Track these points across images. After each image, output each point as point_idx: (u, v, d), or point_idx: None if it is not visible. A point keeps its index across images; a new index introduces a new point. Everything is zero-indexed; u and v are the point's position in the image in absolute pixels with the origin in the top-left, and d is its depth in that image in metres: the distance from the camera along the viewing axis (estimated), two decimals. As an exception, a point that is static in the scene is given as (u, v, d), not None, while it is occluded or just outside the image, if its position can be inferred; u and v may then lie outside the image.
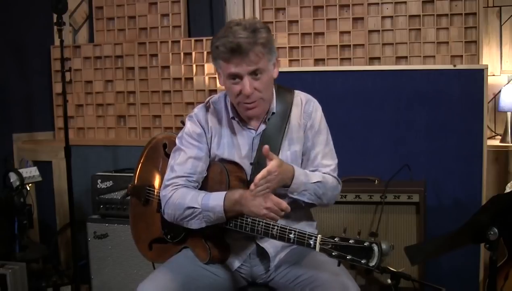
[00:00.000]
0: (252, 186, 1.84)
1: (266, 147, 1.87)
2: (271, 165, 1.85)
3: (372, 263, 1.67)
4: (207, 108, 2.10)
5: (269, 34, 1.92)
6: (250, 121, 2.05)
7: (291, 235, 1.81)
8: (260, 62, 1.89)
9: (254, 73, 1.90)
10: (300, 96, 2.11)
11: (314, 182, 1.99)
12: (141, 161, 2.34)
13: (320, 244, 1.75)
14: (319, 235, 1.76)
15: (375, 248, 1.67)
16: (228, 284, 2.05)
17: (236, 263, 2.05)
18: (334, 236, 1.73)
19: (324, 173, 2.05)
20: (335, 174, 2.10)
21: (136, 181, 2.34)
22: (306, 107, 2.08)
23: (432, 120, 3.03)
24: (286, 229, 1.83)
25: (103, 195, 3.36)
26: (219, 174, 2.02)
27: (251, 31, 1.87)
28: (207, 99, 2.13)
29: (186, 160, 2.03)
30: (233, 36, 1.85)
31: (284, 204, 1.85)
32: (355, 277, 2.61)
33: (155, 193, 2.21)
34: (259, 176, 1.83)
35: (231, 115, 2.05)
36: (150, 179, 2.27)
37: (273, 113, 2.04)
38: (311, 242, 1.77)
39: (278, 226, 1.85)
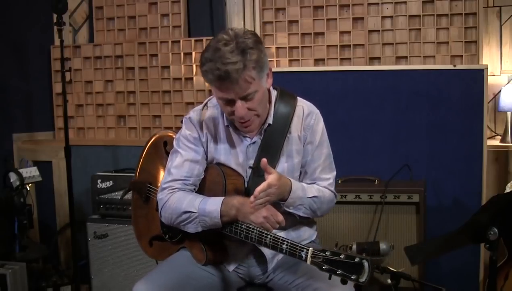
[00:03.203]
0: (252, 198, 1.83)
1: (264, 160, 1.86)
2: (271, 178, 1.85)
3: (362, 279, 1.67)
4: (203, 113, 2.06)
5: (260, 51, 1.83)
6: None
7: (284, 246, 1.81)
8: (251, 86, 1.83)
9: (246, 97, 1.86)
10: (302, 106, 2.06)
11: (311, 196, 1.99)
12: (142, 157, 2.34)
13: (311, 257, 1.74)
14: (310, 248, 1.75)
15: (365, 264, 1.67)
16: (226, 284, 2.05)
17: (233, 264, 2.05)
18: (325, 249, 1.73)
19: (322, 187, 2.05)
20: (332, 188, 2.09)
21: (137, 176, 2.34)
22: (307, 120, 2.04)
23: (432, 120, 3.03)
24: (279, 239, 1.82)
25: (103, 195, 3.36)
26: (216, 176, 2.01)
27: (240, 52, 1.78)
28: (205, 102, 2.10)
29: (182, 163, 2.01)
30: (221, 62, 1.77)
31: (281, 217, 1.86)
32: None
33: (155, 191, 2.21)
34: (259, 188, 1.83)
35: (225, 123, 2.02)
36: (151, 176, 2.27)
37: (269, 125, 2.01)
38: (303, 255, 1.76)
39: (271, 236, 1.84)
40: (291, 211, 1.97)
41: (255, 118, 1.94)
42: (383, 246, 2.51)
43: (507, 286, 2.55)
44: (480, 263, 2.95)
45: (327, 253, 1.71)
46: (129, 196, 2.50)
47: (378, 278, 2.66)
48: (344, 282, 1.70)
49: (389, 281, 2.43)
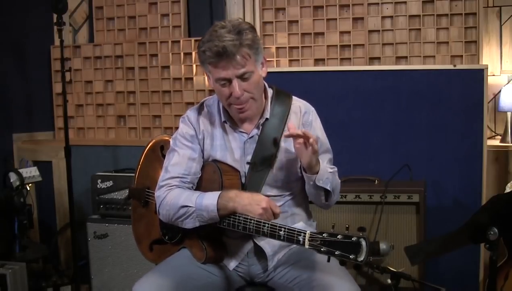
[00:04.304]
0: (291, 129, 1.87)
1: (291, 123, 1.91)
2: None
3: (361, 258, 1.66)
4: (200, 111, 2.10)
5: (255, 35, 1.91)
6: (242, 125, 2.05)
7: (281, 232, 1.81)
8: (247, 64, 1.89)
9: (242, 76, 1.90)
10: (298, 104, 2.10)
11: (330, 171, 2.01)
12: (141, 162, 2.35)
13: (309, 240, 1.74)
14: (307, 232, 1.76)
15: (363, 242, 1.66)
16: (226, 283, 2.05)
17: (233, 262, 2.05)
18: (322, 231, 1.73)
19: None
20: (337, 176, 2.11)
21: (136, 183, 2.35)
22: (306, 117, 2.08)
23: (432, 120, 3.03)
24: (276, 226, 1.83)
25: (103, 195, 3.36)
26: (212, 174, 2.02)
27: (236, 33, 1.86)
28: (202, 101, 2.14)
29: (180, 161, 2.03)
30: (219, 40, 1.84)
31: (278, 209, 1.88)
32: (355, 277, 2.61)
33: (154, 195, 2.21)
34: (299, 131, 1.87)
35: (223, 119, 2.05)
36: (149, 181, 2.27)
37: (267, 119, 2.03)
38: (300, 239, 1.77)
39: (268, 224, 1.85)
40: (321, 185, 1.96)
41: (252, 102, 1.96)
42: (383, 246, 2.50)
43: (507, 286, 2.55)
44: (480, 263, 2.95)
45: (325, 234, 1.72)
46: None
47: (378, 278, 2.66)
48: (343, 263, 1.71)
49: (389, 281, 2.43)
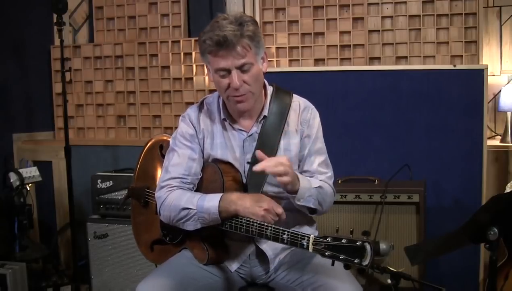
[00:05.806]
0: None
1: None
2: (278, 157, 1.88)
3: (365, 262, 1.65)
4: (200, 109, 2.08)
5: (256, 27, 1.91)
6: (241, 122, 2.04)
7: (284, 236, 1.80)
8: (247, 55, 1.88)
9: (242, 67, 1.89)
10: (298, 101, 2.08)
11: (316, 187, 1.97)
12: (140, 162, 2.34)
13: (313, 244, 1.73)
14: (311, 235, 1.74)
15: (368, 247, 1.65)
16: (228, 284, 2.05)
17: (235, 264, 2.05)
18: (326, 235, 1.72)
19: (320, 180, 2.03)
20: (331, 182, 2.08)
21: (135, 181, 2.35)
22: (304, 114, 2.06)
23: (432, 120, 3.03)
24: (280, 229, 1.81)
25: (103, 195, 3.36)
26: (213, 174, 2.00)
27: (237, 24, 1.86)
28: (202, 99, 2.12)
29: (180, 161, 2.02)
30: (220, 30, 1.85)
31: (281, 209, 1.85)
32: (355, 277, 2.61)
33: (153, 195, 2.21)
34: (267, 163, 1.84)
35: (222, 116, 2.04)
36: (149, 181, 2.27)
37: (265, 116, 2.02)
38: (304, 243, 1.75)
39: (271, 227, 1.83)
40: (302, 203, 1.94)
41: (250, 95, 1.94)
42: (383, 246, 2.51)
43: (507, 286, 2.55)
44: (480, 263, 2.95)
45: (329, 239, 1.70)
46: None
47: (378, 278, 2.66)
48: (347, 267, 1.69)
49: (389, 281, 2.43)
